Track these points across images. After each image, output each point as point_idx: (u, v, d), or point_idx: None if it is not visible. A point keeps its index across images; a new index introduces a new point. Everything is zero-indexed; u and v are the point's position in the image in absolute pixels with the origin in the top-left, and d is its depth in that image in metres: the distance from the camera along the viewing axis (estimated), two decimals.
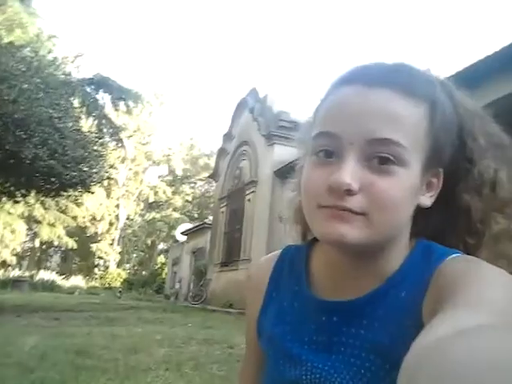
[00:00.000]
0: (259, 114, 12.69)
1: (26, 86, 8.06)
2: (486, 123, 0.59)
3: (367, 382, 0.51)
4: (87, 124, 13.19)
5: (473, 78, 3.79)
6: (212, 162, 21.79)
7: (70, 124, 9.52)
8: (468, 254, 0.57)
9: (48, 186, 9.76)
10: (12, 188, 10.23)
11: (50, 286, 23.10)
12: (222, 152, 15.85)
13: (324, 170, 0.50)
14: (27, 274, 24.78)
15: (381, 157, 0.48)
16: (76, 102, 12.45)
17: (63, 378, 2.93)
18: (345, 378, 0.52)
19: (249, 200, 12.64)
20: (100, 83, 13.68)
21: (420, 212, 0.55)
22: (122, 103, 14.23)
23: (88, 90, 13.37)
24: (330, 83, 0.56)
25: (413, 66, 0.55)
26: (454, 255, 0.52)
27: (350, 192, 0.48)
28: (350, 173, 0.48)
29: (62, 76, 11.64)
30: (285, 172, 10.92)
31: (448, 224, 0.59)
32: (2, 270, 24.93)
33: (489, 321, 0.34)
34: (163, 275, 26.22)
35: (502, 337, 0.29)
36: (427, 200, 0.54)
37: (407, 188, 0.49)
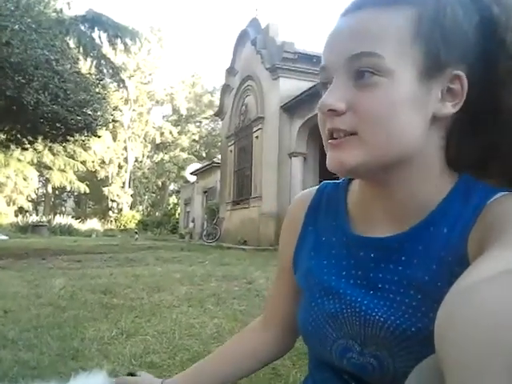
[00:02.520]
0: (262, 45, 12.08)
1: (17, 26, 7.69)
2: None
3: (409, 318, 0.50)
4: (86, 66, 12.73)
5: None
6: (216, 100, 21.28)
7: (69, 66, 9.21)
8: None
9: (54, 132, 9.72)
10: (19, 135, 10.21)
11: (68, 230, 23.92)
12: (225, 88, 15.37)
13: None
14: (44, 219, 25.55)
15: (360, 71, 0.48)
16: (72, 43, 11.93)
17: (94, 315, 3.08)
18: (385, 313, 0.51)
19: (256, 137, 12.47)
20: (94, 21, 12.98)
21: (462, 132, 0.52)
22: (119, 41, 13.60)
23: (82, 28, 12.73)
24: None
25: None
26: (504, 192, 0.49)
27: (335, 112, 0.49)
28: (332, 94, 0.49)
29: (54, 14, 11.06)
30: (292, 106, 10.64)
31: (503, 142, 0.52)
32: (21, 216, 25.76)
33: None
34: (176, 215, 26.84)
35: None
36: (449, 108, 0.50)
37: (396, 98, 0.47)
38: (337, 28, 0.51)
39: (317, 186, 0.68)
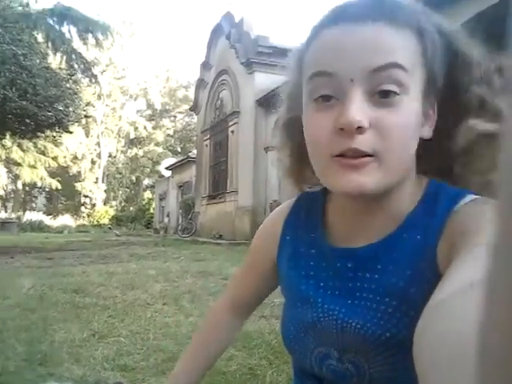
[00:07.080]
0: (236, 40, 11.98)
1: None
2: (468, 40, 0.53)
3: (384, 324, 0.51)
4: (56, 61, 12.30)
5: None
6: (191, 94, 21.01)
7: (38, 61, 8.93)
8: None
9: (23, 128, 9.44)
10: None
11: (39, 227, 23.19)
12: (200, 83, 15.22)
13: (328, 115, 0.48)
14: (14, 215, 24.68)
15: (384, 90, 0.46)
16: (40, 37, 11.50)
17: (64, 316, 3.01)
18: (362, 320, 0.53)
19: (232, 131, 12.42)
20: (62, 14, 12.48)
21: (423, 146, 0.53)
22: (89, 36, 13.15)
23: (51, 22, 12.27)
24: (312, 27, 0.52)
25: None
26: (470, 196, 0.50)
27: (361, 130, 0.46)
28: (358, 109, 0.46)
29: (20, 8, 10.67)
30: (267, 101, 10.61)
31: (458, 156, 0.54)
32: None
33: None
34: (151, 210, 26.46)
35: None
36: (428, 131, 0.52)
37: (413, 117, 0.48)
38: (350, 36, 0.47)
39: (296, 197, 0.68)
